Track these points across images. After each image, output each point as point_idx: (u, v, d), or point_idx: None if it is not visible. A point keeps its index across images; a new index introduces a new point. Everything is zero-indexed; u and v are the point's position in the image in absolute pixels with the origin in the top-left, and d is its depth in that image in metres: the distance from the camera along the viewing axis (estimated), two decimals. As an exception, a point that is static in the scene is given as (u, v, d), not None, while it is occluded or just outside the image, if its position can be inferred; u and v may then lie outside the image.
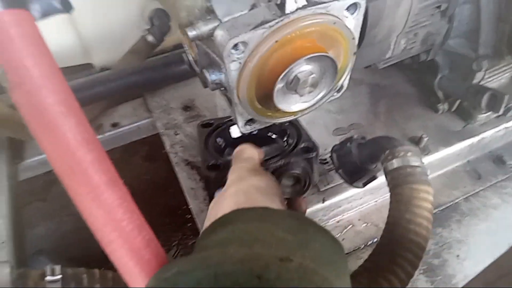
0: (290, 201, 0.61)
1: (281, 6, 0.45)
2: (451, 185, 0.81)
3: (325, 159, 0.77)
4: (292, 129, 0.69)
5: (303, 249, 0.32)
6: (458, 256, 0.71)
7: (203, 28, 0.47)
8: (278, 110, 0.53)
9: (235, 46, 0.46)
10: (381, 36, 0.60)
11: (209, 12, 0.48)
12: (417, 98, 0.89)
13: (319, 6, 0.47)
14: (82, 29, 1.03)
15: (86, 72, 1.11)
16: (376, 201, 0.78)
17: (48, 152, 0.32)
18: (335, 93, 0.61)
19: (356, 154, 0.65)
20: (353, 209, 0.77)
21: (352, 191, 0.73)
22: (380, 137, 0.63)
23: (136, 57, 1.01)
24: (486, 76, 0.76)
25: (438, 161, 0.80)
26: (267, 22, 0.45)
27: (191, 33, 0.47)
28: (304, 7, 0.46)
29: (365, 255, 0.55)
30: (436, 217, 0.77)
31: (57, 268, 0.38)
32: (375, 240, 0.73)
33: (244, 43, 0.46)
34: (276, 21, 0.45)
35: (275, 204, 0.42)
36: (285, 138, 0.70)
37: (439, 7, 0.64)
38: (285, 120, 0.59)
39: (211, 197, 0.67)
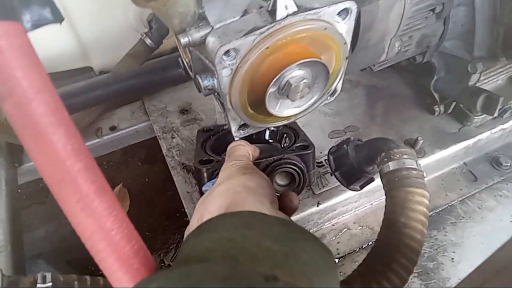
0: (281, 196, 0.58)
1: (272, 12, 0.46)
2: (447, 188, 0.82)
3: (321, 162, 0.77)
4: (290, 131, 0.70)
5: (291, 260, 0.31)
6: (452, 259, 0.71)
7: (195, 35, 0.47)
8: (270, 115, 0.53)
9: (227, 53, 0.46)
10: (375, 40, 0.61)
11: (202, 19, 0.48)
12: (414, 100, 0.89)
13: (310, 12, 0.47)
14: (81, 33, 1.04)
15: (85, 75, 1.13)
16: (371, 204, 0.78)
17: (37, 161, 0.32)
18: (329, 97, 0.61)
19: (353, 156, 0.65)
20: (348, 212, 0.77)
21: (347, 194, 0.73)
22: (377, 139, 0.63)
23: (135, 60, 1.01)
24: (482, 78, 0.76)
25: (434, 163, 0.80)
26: (258, 28, 0.45)
27: (184, 39, 0.47)
28: (294, 13, 0.46)
29: (360, 258, 0.55)
30: (431, 220, 0.77)
31: (48, 275, 0.38)
32: (371, 243, 0.73)
33: (236, 50, 0.46)
34: (267, 27, 0.45)
35: (265, 205, 0.40)
36: (283, 141, 0.71)
37: (433, 9, 0.64)
38: (278, 124, 0.59)
39: (201, 193, 0.66)
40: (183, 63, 0.59)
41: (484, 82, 0.77)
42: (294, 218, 0.71)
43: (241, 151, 0.53)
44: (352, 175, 0.66)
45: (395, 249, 0.48)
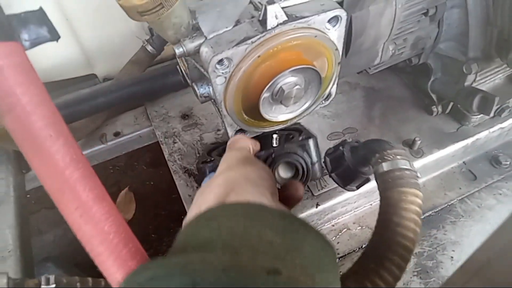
0: (285, 185, 0.54)
1: (263, 22, 0.47)
2: (446, 187, 0.82)
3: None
4: (296, 132, 0.69)
5: (292, 254, 0.30)
6: (452, 257, 0.72)
7: (190, 45, 0.49)
8: (265, 120, 0.55)
9: (220, 62, 0.47)
10: (368, 44, 0.62)
11: (195, 30, 0.50)
12: (412, 101, 0.90)
13: (300, 20, 0.48)
14: (84, 41, 1.06)
15: (90, 82, 1.15)
16: (371, 204, 0.79)
17: (38, 171, 0.34)
18: (324, 101, 0.62)
19: (349, 158, 0.66)
20: (347, 213, 0.78)
21: (346, 195, 0.75)
22: (371, 140, 0.64)
23: (137, 66, 1.03)
24: (479, 78, 0.76)
25: (432, 163, 0.80)
26: (249, 38, 0.47)
27: (178, 50, 0.49)
28: (285, 22, 0.47)
29: (360, 258, 0.56)
30: (430, 219, 0.78)
31: (52, 277, 0.40)
32: (370, 243, 0.74)
33: (228, 59, 0.48)
34: (258, 36, 0.47)
35: (265, 197, 0.38)
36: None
37: (425, 13, 0.65)
38: (274, 129, 0.60)
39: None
40: (181, 70, 0.61)
41: (481, 82, 0.77)
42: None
43: (242, 143, 0.51)
44: (348, 176, 0.67)
45: (388, 247, 0.49)
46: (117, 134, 0.98)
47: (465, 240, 0.74)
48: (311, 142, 0.61)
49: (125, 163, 1.36)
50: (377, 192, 0.77)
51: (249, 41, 0.47)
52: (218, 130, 0.89)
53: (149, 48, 1.03)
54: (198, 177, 0.79)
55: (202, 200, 0.39)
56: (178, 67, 0.70)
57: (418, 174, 0.56)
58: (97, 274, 0.61)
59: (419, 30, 0.69)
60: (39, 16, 0.36)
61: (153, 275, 0.27)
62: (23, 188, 0.89)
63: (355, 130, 0.85)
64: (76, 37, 1.02)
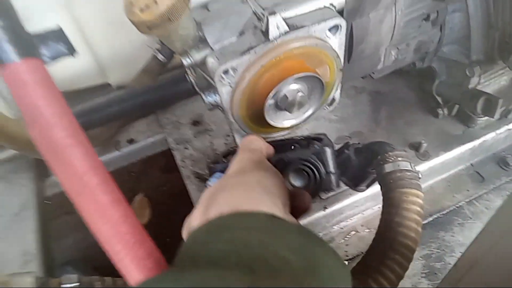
0: (295, 194, 0.47)
1: (265, 32, 0.50)
2: (454, 189, 0.83)
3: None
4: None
5: (310, 276, 0.29)
6: (459, 259, 0.72)
7: (196, 56, 0.52)
8: (271, 126, 0.57)
9: (225, 72, 0.50)
10: (369, 50, 0.63)
11: (202, 41, 0.53)
12: (418, 104, 0.91)
13: (301, 30, 0.50)
14: (99, 52, 1.10)
15: (104, 91, 1.19)
16: (378, 206, 0.80)
17: (59, 177, 0.37)
18: (328, 106, 0.64)
19: (355, 160, 0.67)
20: (355, 216, 0.79)
21: (353, 198, 0.76)
22: (373, 142, 0.65)
23: (148, 75, 1.06)
24: (483, 80, 0.77)
25: (439, 165, 0.81)
26: (253, 48, 0.49)
27: (186, 61, 0.52)
28: (286, 32, 0.50)
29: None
30: (438, 221, 0.79)
31: (74, 276, 0.43)
32: (377, 244, 0.75)
33: (234, 69, 0.50)
34: (261, 47, 0.49)
35: (277, 207, 0.37)
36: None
37: (426, 18, 0.66)
38: (279, 134, 0.62)
39: None
40: (189, 79, 0.64)
41: (486, 84, 0.78)
42: (301, 222, 0.74)
43: (256, 144, 0.48)
44: (356, 177, 0.69)
45: (390, 247, 0.50)
46: (130, 141, 1.01)
47: (473, 242, 0.74)
48: (328, 150, 0.57)
49: (139, 169, 1.39)
50: (384, 194, 0.79)
51: (253, 51, 0.49)
52: (228, 136, 0.91)
53: (160, 56, 1.06)
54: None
55: (211, 201, 0.38)
56: (187, 75, 0.72)
57: (420, 175, 0.57)
58: (115, 276, 0.63)
59: (421, 35, 0.70)
60: (58, 34, 0.39)
61: None
62: (44, 194, 0.93)
63: (362, 134, 0.87)
64: (91, 48, 1.06)
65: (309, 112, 0.58)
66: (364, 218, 0.80)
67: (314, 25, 0.50)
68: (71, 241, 1.27)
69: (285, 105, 0.54)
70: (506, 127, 0.84)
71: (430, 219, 0.78)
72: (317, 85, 0.55)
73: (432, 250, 0.75)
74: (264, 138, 0.48)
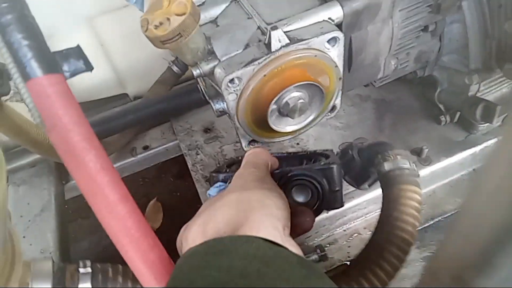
0: (297, 211, 0.46)
1: (268, 45, 0.54)
2: (456, 193, 0.85)
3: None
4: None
5: None
6: (460, 261, 0.74)
7: (205, 67, 0.57)
8: (274, 131, 0.61)
9: (231, 81, 0.55)
10: (369, 61, 0.67)
11: (210, 53, 0.57)
12: (421, 111, 0.93)
13: (301, 42, 0.55)
14: (117, 64, 1.17)
15: (122, 101, 1.26)
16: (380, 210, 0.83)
17: (75, 177, 0.42)
18: (329, 113, 0.68)
19: (358, 160, 0.70)
20: (358, 218, 0.82)
21: (356, 201, 0.79)
22: (374, 143, 0.68)
23: (164, 86, 1.12)
24: (483, 88, 0.80)
25: (441, 170, 0.83)
26: (256, 59, 0.54)
27: (196, 72, 0.57)
28: (287, 45, 0.54)
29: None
30: (440, 224, 0.81)
31: (88, 262, 0.48)
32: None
33: (239, 78, 0.55)
34: (264, 58, 0.54)
35: (278, 231, 0.36)
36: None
37: (424, 29, 0.70)
38: (283, 139, 0.66)
39: None
40: (200, 89, 0.69)
41: (486, 92, 0.80)
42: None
43: (261, 159, 0.47)
44: (360, 176, 0.72)
45: (388, 240, 0.53)
46: (146, 148, 1.07)
47: (474, 245, 0.76)
48: (334, 168, 0.54)
49: (154, 175, 1.45)
50: (387, 198, 0.81)
51: (256, 62, 0.54)
52: (237, 142, 0.95)
53: (175, 68, 1.12)
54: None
55: (209, 217, 0.38)
56: (198, 85, 0.77)
57: (419, 173, 0.60)
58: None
59: (420, 45, 0.73)
60: (77, 52, 0.44)
61: None
62: (63, 197, 0.99)
63: (365, 140, 0.90)
64: (109, 60, 1.13)
65: (310, 118, 0.62)
66: (366, 221, 0.83)
67: (313, 38, 0.55)
68: (86, 244, 1.32)
69: (287, 111, 0.58)
70: (507, 134, 0.85)
71: (432, 222, 0.80)
72: (317, 92, 0.59)
73: (433, 252, 0.77)
74: (269, 146, 0.50)
